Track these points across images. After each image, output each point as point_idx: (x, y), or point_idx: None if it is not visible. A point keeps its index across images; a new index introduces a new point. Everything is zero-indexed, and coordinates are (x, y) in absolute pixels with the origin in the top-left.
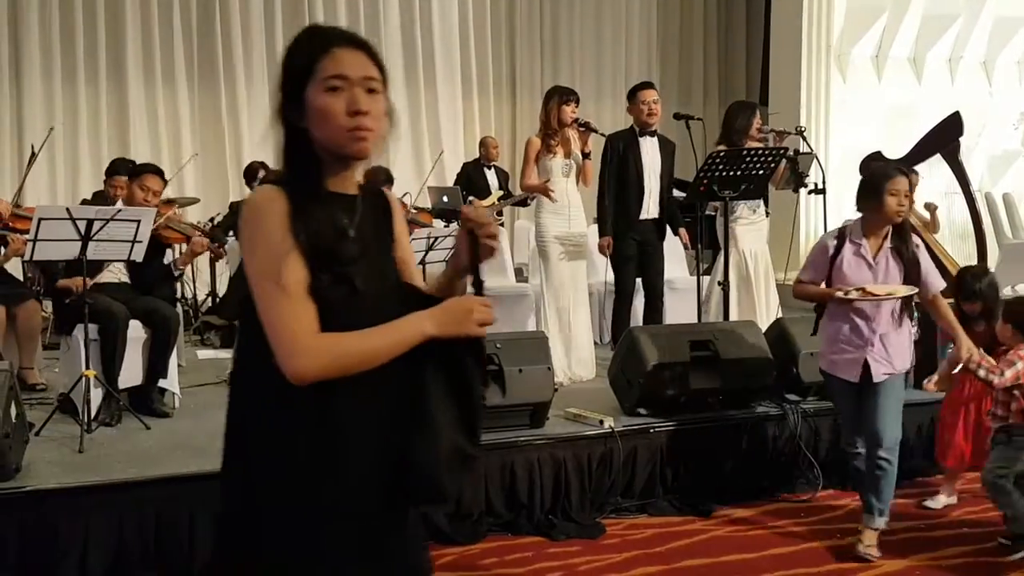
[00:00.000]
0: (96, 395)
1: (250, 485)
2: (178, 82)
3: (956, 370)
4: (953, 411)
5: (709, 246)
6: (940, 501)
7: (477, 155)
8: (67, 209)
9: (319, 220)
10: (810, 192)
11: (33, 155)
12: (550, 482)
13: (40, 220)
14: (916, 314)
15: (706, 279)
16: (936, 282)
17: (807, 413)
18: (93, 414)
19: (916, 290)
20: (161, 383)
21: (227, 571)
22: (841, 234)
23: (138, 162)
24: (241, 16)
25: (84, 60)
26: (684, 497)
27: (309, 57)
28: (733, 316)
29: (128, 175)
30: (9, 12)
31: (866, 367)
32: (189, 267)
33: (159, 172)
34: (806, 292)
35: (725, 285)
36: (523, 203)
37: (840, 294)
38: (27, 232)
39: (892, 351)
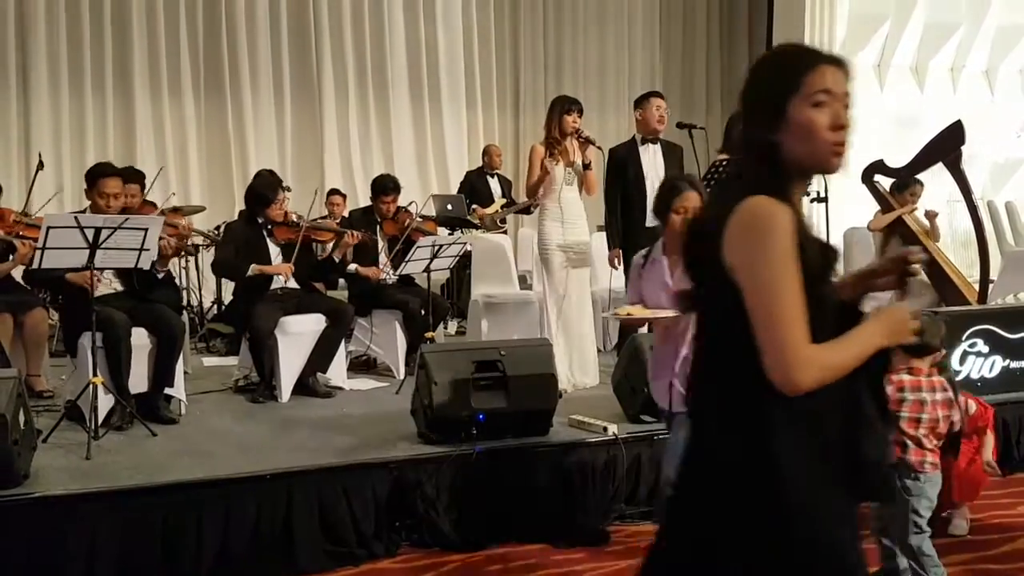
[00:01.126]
0: (105, 402)
1: (751, 482)
2: (184, 92)
3: None
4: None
5: None
6: (962, 527)
7: (480, 163)
8: (75, 217)
9: (809, 234)
10: (812, 200)
11: (40, 164)
12: (554, 489)
13: (48, 228)
14: None
15: None
16: None
17: None
18: (101, 420)
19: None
20: (167, 390)
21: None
22: (649, 251)
23: (146, 172)
24: (247, 27)
25: (91, 70)
26: None
27: (796, 73)
28: None
29: (88, 178)
30: (16, 23)
31: (672, 395)
32: (194, 274)
33: (118, 173)
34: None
35: None
36: (526, 211)
37: (608, 313)
38: (35, 240)
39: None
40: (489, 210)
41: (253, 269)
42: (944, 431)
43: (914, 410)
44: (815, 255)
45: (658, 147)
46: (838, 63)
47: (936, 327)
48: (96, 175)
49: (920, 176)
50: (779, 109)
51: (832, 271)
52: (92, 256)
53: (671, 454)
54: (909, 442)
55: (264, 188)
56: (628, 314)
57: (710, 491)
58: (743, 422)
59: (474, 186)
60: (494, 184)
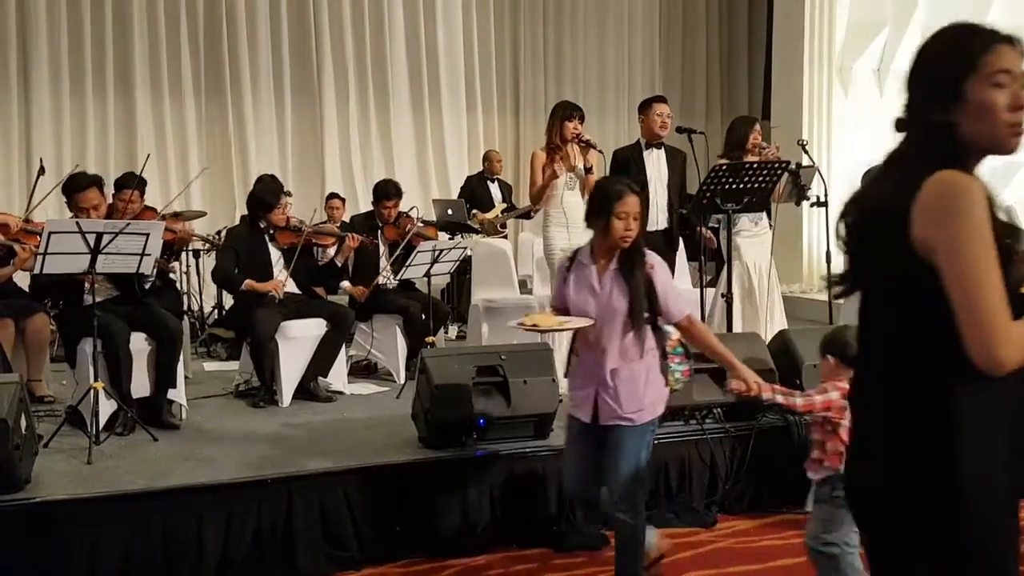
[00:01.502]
0: (107, 407)
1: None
2: (185, 96)
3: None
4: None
5: (713, 258)
6: None
7: (480, 168)
8: (76, 223)
9: (997, 211)
10: (812, 205)
11: (42, 169)
12: (555, 493)
13: (50, 234)
14: (682, 350)
15: (710, 291)
16: (677, 308)
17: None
18: (103, 425)
19: (588, 323)
20: (169, 394)
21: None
22: (574, 255)
23: (146, 177)
24: (247, 30)
25: (92, 74)
26: (688, 508)
27: (973, 53)
28: (737, 328)
29: (66, 192)
30: (18, 26)
31: (597, 406)
32: (195, 279)
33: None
34: None
35: (728, 297)
36: (527, 215)
37: (513, 323)
38: (36, 247)
39: (623, 391)
40: (489, 215)
41: (245, 285)
42: None
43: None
44: (1005, 232)
45: (662, 152)
46: (1014, 43)
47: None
48: (72, 189)
49: None
50: (955, 90)
51: (1018, 250)
52: (93, 261)
53: (610, 471)
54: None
55: (266, 193)
56: (534, 324)
57: (884, 488)
58: (924, 413)
59: (474, 191)
60: (494, 189)
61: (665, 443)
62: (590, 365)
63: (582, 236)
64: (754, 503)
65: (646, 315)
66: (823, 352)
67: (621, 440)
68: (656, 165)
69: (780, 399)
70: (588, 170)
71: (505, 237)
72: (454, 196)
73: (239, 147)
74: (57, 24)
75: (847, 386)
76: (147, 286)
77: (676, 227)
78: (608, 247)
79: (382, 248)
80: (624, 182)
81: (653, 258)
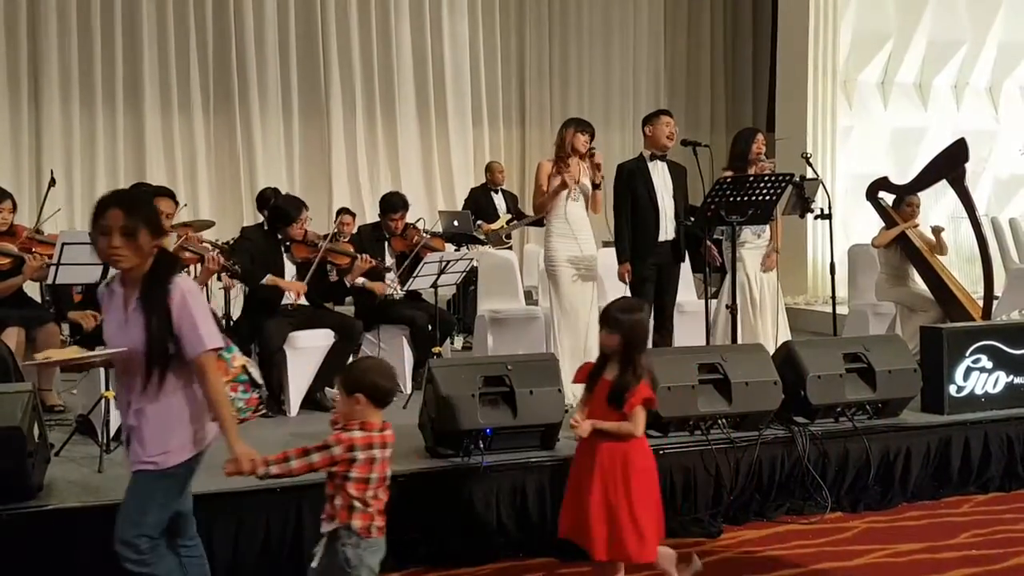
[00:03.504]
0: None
1: None
2: (194, 109)
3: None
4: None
5: (717, 270)
6: None
7: (484, 180)
8: (89, 234)
9: None
10: (816, 217)
11: (52, 181)
12: (560, 503)
13: (63, 244)
14: (246, 378)
15: (714, 302)
16: (195, 345)
17: (815, 436)
18: (113, 434)
19: (100, 354)
20: None
21: None
22: (110, 281)
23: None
24: (256, 46)
25: (102, 88)
26: (693, 519)
27: None
28: (740, 339)
29: None
30: (29, 41)
31: (129, 443)
32: (204, 290)
33: (170, 193)
34: None
35: (733, 308)
36: (538, 223)
37: (40, 356)
38: (50, 257)
39: (147, 433)
40: (495, 225)
41: (268, 279)
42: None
43: (363, 470)
44: None
45: (664, 164)
46: None
47: None
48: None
49: (924, 193)
50: None
51: None
52: (105, 272)
53: (121, 511)
54: (357, 504)
55: (289, 206)
56: (46, 357)
57: None
58: None
59: (478, 202)
60: (498, 200)
61: (670, 454)
62: (123, 400)
63: (585, 247)
64: (759, 513)
65: (172, 349)
66: (349, 390)
67: (136, 481)
68: (662, 176)
69: (275, 470)
70: (596, 187)
71: (510, 248)
72: (460, 207)
73: (247, 161)
74: (68, 37)
75: (360, 433)
76: None
77: (683, 238)
78: (133, 274)
79: (389, 260)
80: (112, 193)
81: (183, 285)
